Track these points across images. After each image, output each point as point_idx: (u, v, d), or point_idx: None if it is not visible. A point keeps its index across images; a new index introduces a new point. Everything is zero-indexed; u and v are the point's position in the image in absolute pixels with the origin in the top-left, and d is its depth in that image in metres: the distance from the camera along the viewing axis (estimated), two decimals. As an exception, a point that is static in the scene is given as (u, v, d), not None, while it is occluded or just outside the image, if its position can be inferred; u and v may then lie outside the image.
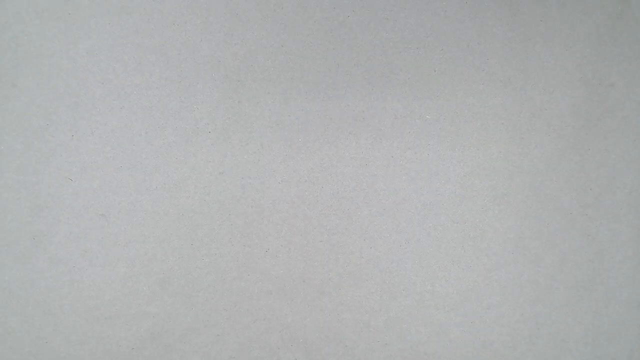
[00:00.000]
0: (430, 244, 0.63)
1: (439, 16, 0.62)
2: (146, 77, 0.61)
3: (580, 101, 0.62)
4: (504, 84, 0.62)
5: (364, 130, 0.62)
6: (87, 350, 0.63)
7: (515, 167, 0.62)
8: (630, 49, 0.62)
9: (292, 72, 0.61)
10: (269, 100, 0.61)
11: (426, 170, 0.62)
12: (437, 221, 0.62)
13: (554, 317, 0.64)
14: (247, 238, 0.62)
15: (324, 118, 0.62)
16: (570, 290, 0.63)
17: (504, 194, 0.63)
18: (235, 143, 0.61)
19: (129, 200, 0.62)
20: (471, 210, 0.62)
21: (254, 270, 0.62)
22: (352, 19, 0.61)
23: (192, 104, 0.61)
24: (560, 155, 0.63)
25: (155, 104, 0.61)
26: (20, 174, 0.61)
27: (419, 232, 0.62)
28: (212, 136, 0.61)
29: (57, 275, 0.62)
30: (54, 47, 0.61)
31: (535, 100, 0.62)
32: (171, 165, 0.62)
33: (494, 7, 0.62)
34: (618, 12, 0.62)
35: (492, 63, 0.62)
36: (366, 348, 0.63)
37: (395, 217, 0.62)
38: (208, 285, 0.62)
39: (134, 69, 0.61)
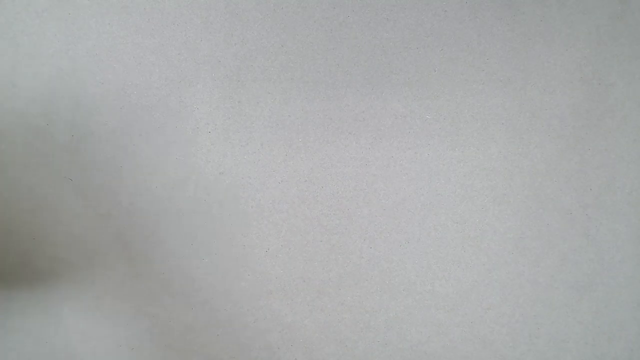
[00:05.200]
0: (430, 244, 0.63)
1: (439, 16, 0.62)
2: (146, 77, 0.61)
3: (580, 101, 0.62)
4: (504, 84, 0.62)
5: (364, 130, 0.62)
6: (87, 350, 0.63)
7: (515, 167, 0.62)
8: (630, 49, 0.62)
9: (292, 72, 0.61)
10: (269, 100, 0.61)
11: (426, 170, 0.62)
12: (437, 221, 0.62)
13: (554, 317, 0.64)
14: (247, 238, 0.62)
15: (324, 118, 0.62)
16: (570, 290, 0.63)
17: (504, 194, 0.63)
18: (235, 143, 0.61)
19: (129, 201, 0.62)
20: (471, 210, 0.62)
21: (254, 270, 0.62)
22: (352, 19, 0.61)
23: (192, 104, 0.61)
24: (560, 155, 0.63)
25: (155, 104, 0.61)
26: (20, 174, 0.61)
27: (419, 232, 0.62)
28: (212, 136, 0.61)
29: (57, 275, 0.62)
30: (54, 47, 0.61)
31: (535, 100, 0.62)
32: (171, 165, 0.62)
33: (494, 7, 0.62)
34: (618, 12, 0.62)
35: (492, 63, 0.62)
36: (366, 348, 0.63)
37: (395, 217, 0.62)
38: (208, 285, 0.62)
39: (134, 69, 0.61)
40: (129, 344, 0.63)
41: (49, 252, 0.62)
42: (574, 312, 0.63)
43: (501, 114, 0.62)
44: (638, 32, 0.62)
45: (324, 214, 0.62)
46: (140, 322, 0.62)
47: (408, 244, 0.63)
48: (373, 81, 0.61)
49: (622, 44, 0.62)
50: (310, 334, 0.63)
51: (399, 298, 0.63)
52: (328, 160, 0.62)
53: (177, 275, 0.62)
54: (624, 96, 0.62)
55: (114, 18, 0.61)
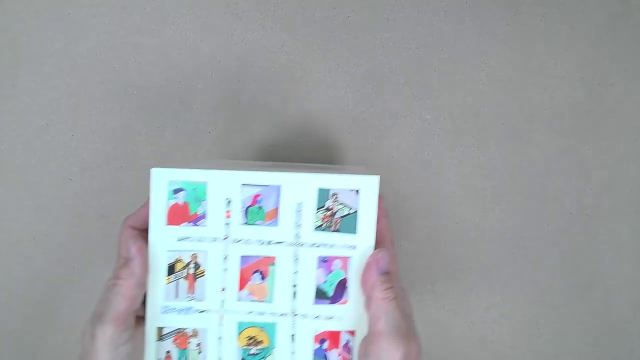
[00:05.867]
0: (431, 243, 0.63)
1: (439, 16, 0.62)
2: (146, 77, 0.61)
3: (580, 101, 0.62)
4: (504, 84, 0.62)
5: (364, 130, 0.62)
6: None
7: (515, 167, 0.62)
8: (630, 49, 0.62)
9: (292, 72, 0.61)
10: (269, 100, 0.61)
11: (426, 170, 0.62)
12: (438, 221, 0.62)
13: (554, 317, 0.64)
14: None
15: (324, 118, 0.62)
16: (570, 290, 0.63)
17: (504, 194, 0.63)
18: (235, 143, 0.61)
19: (129, 201, 0.62)
20: (472, 210, 0.62)
21: (254, 270, 0.62)
22: (352, 19, 0.61)
23: (192, 104, 0.61)
24: (560, 155, 0.63)
25: (155, 104, 0.61)
26: (20, 174, 0.61)
27: (419, 232, 0.62)
28: (212, 136, 0.61)
29: (56, 275, 0.62)
30: (54, 47, 0.61)
31: (535, 100, 0.62)
32: (171, 166, 0.62)
33: (494, 7, 0.62)
34: (618, 12, 0.62)
35: (492, 63, 0.62)
36: (366, 348, 0.63)
37: (396, 217, 0.62)
38: (208, 285, 0.62)
39: (134, 69, 0.61)
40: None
41: (49, 251, 0.62)
42: (574, 312, 0.64)
43: (501, 114, 0.62)
44: (638, 32, 0.62)
45: (324, 214, 0.62)
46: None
47: (408, 244, 0.63)
48: (373, 81, 0.61)
49: (622, 44, 0.62)
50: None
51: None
52: (328, 161, 0.62)
53: (177, 275, 0.62)
54: (624, 96, 0.62)
55: (114, 18, 0.61)
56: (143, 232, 0.42)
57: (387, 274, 0.41)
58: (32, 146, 0.61)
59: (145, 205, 0.42)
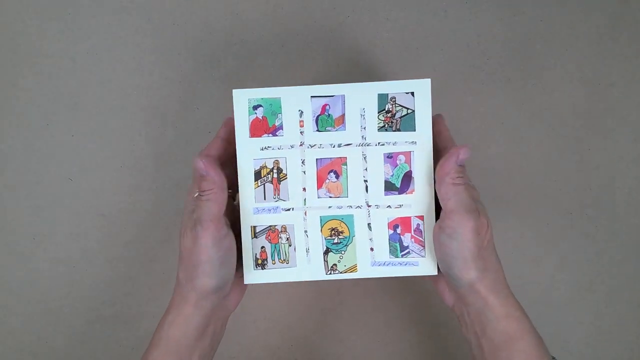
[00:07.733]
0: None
1: (439, 16, 0.62)
2: (146, 77, 0.61)
3: (580, 101, 0.62)
4: (504, 84, 0.62)
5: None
6: (87, 350, 0.63)
7: (515, 167, 0.62)
8: (630, 49, 0.62)
9: (292, 72, 0.61)
10: (269, 100, 0.61)
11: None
12: (437, 221, 0.62)
13: (554, 317, 0.64)
14: (247, 238, 0.62)
15: (324, 118, 0.62)
16: (570, 290, 0.63)
17: (504, 194, 0.63)
18: (235, 143, 0.61)
19: (129, 200, 0.62)
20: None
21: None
22: (352, 19, 0.61)
23: (192, 104, 0.61)
24: (560, 155, 0.63)
25: (155, 104, 0.61)
26: (20, 174, 0.61)
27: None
28: (212, 136, 0.61)
29: (57, 275, 0.62)
30: (54, 47, 0.61)
31: (535, 100, 0.62)
32: (171, 165, 0.62)
33: (494, 7, 0.62)
34: (618, 12, 0.62)
35: (492, 63, 0.62)
36: (366, 348, 0.63)
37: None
38: (208, 285, 0.62)
39: (134, 69, 0.61)
40: (129, 344, 0.63)
41: (49, 251, 0.62)
42: (574, 312, 0.64)
43: (501, 114, 0.62)
44: (638, 32, 0.62)
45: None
46: (141, 322, 0.62)
47: (408, 244, 0.63)
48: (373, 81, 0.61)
49: (622, 44, 0.62)
50: (310, 334, 0.63)
51: (399, 298, 0.63)
52: (328, 160, 0.62)
53: (177, 275, 0.62)
54: (624, 96, 0.62)
55: (114, 18, 0.61)
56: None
57: (462, 166, 0.45)
58: (32, 146, 0.61)
59: (216, 137, 0.48)
